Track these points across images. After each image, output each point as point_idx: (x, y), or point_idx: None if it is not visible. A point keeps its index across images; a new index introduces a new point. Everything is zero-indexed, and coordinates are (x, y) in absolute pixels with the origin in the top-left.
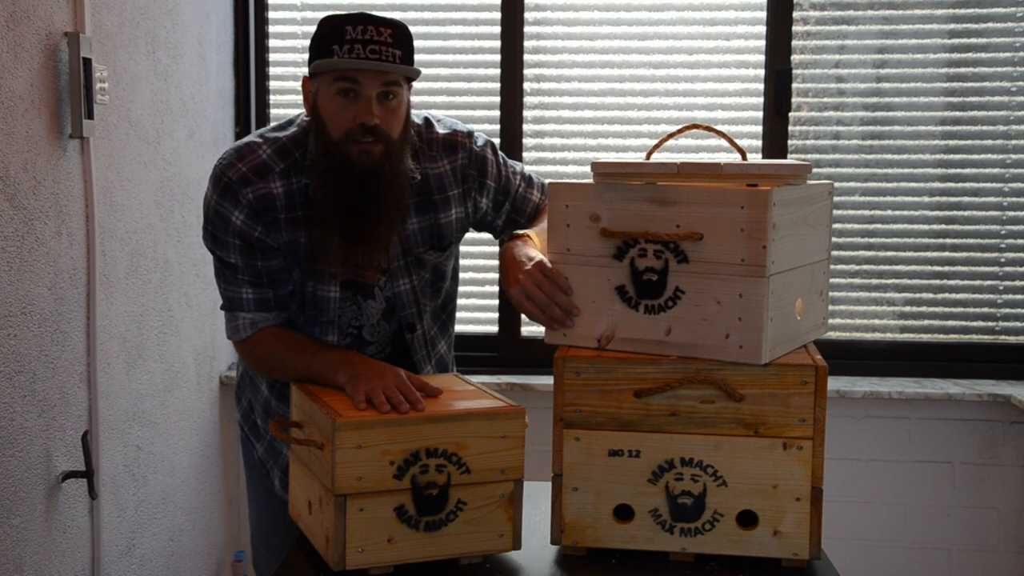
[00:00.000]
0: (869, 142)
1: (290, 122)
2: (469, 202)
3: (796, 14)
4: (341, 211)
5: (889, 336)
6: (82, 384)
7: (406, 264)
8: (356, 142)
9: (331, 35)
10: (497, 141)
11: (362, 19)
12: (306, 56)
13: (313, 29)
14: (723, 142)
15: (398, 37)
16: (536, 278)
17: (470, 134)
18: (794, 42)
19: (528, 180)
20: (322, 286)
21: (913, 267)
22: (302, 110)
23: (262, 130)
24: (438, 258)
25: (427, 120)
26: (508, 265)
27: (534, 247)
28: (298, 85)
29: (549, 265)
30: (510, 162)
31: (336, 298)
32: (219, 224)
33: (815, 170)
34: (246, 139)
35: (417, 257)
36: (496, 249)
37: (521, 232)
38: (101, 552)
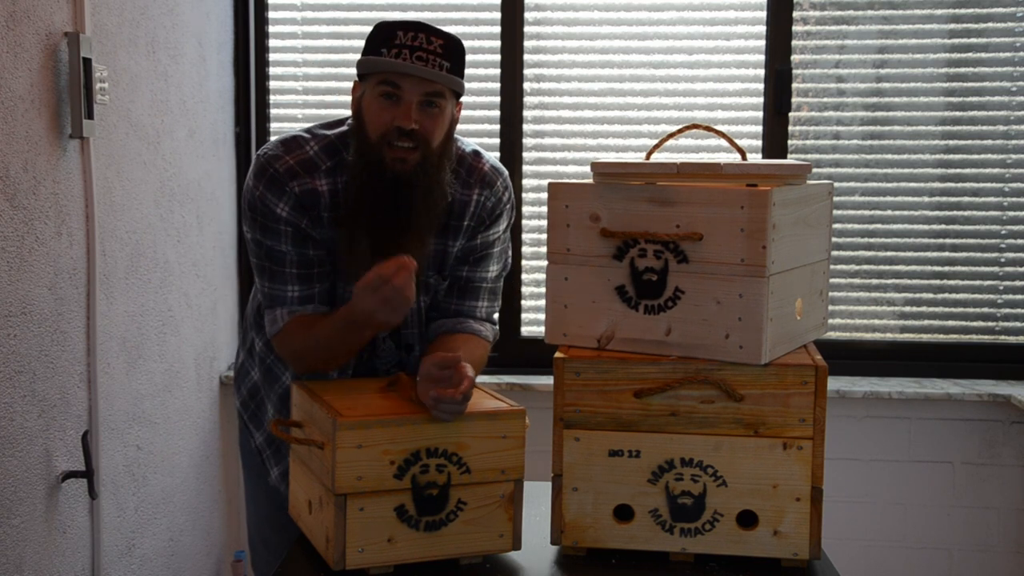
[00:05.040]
0: (869, 142)
1: (339, 121)
2: (471, 240)
3: (796, 14)
4: (369, 215)
5: (889, 336)
6: (82, 384)
7: (416, 284)
8: (392, 145)
9: (381, 37)
10: (497, 141)
11: (414, 26)
12: (306, 57)
13: (313, 29)
14: (723, 142)
15: (449, 49)
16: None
17: (508, 188)
18: (794, 42)
19: (496, 286)
20: (351, 289)
21: (913, 267)
22: (309, 111)
23: (311, 126)
24: (439, 285)
25: (476, 151)
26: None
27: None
28: (298, 85)
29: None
30: (507, 252)
31: None
32: (267, 213)
33: (815, 170)
34: (293, 133)
35: (423, 280)
36: None
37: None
38: (101, 552)
